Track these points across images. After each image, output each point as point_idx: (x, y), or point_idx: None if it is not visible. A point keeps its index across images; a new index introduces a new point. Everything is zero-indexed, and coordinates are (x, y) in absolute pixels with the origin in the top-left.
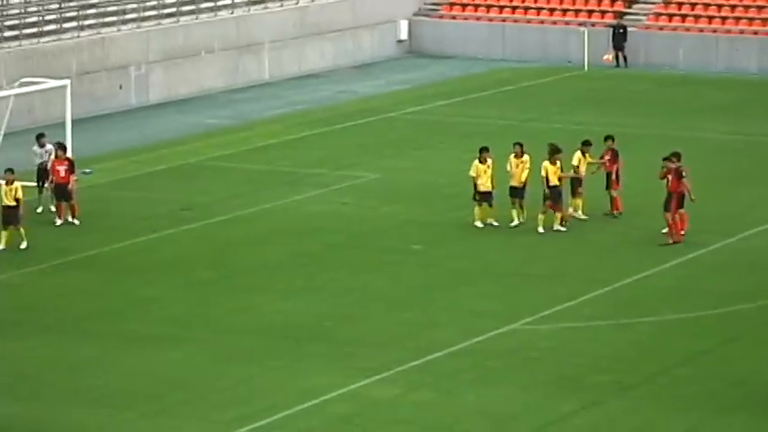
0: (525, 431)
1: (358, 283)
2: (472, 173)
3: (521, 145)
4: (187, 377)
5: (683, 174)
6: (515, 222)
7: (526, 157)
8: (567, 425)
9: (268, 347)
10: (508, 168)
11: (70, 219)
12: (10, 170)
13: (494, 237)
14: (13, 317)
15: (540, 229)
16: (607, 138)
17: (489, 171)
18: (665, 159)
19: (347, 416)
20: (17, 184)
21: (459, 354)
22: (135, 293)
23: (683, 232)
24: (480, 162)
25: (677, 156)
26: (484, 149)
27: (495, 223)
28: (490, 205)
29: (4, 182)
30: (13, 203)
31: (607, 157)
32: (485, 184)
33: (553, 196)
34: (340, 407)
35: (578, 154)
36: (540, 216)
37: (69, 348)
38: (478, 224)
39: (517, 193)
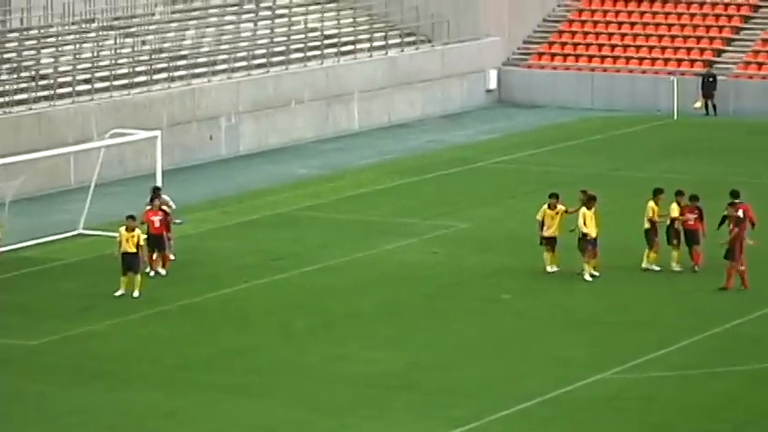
0: None
1: (448, 332)
2: (538, 216)
3: (557, 196)
4: (279, 427)
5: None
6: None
7: (560, 206)
8: None
9: (359, 397)
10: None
11: (159, 269)
12: (131, 217)
13: (582, 285)
14: (104, 367)
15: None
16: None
17: (557, 217)
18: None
19: None
20: (137, 231)
21: (550, 403)
22: (227, 343)
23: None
24: (549, 208)
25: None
26: (553, 195)
27: (556, 268)
28: (553, 250)
29: (123, 228)
30: (134, 250)
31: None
32: (551, 230)
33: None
34: None
35: (674, 205)
36: (653, 255)
37: (161, 398)
38: (549, 269)
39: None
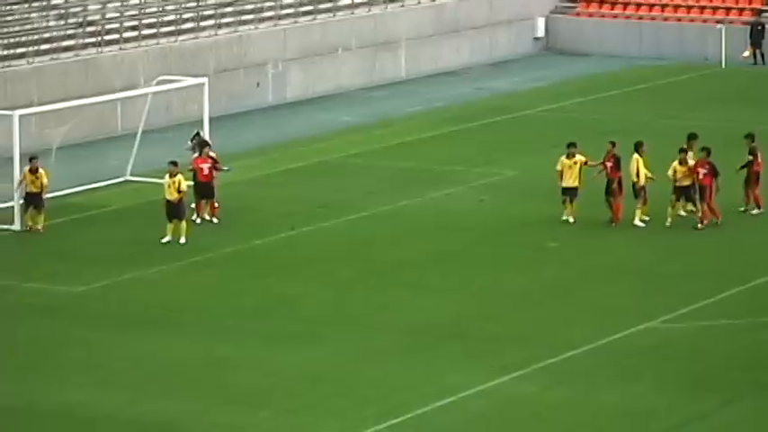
0: (663, 429)
1: (495, 280)
2: (558, 167)
3: (575, 145)
4: (325, 375)
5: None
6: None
7: (579, 156)
8: (706, 423)
9: (406, 345)
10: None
11: (208, 217)
12: (173, 163)
13: (629, 233)
14: (150, 314)
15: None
16: (747, 136)
17: (576, 167)
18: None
19: (485, 413)
20: (180, 177)
21: (597, 351)
22: (273, 291)
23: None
24: (567, 157)
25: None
26: (571, 145)
27: (572, 219)
28: (571, 201)
29: (168, 174)
30: (176, 196)
31: (750, 157)
32: (569, 180)
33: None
34: (477, 404)
35: (675, 163)
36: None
37: (207, 346)
38: (566, 218)
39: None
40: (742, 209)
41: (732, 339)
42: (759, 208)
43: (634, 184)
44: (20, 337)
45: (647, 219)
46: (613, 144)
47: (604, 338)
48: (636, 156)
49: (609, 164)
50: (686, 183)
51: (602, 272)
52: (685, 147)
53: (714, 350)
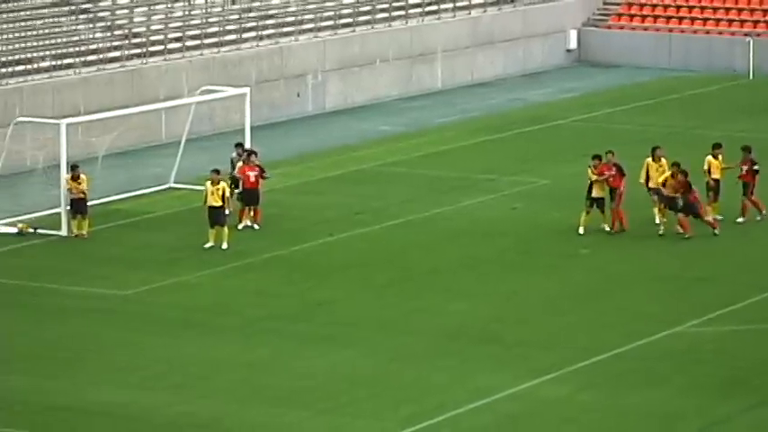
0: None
1: (527, 286)
2: (593, 177)
3: (599, 158)
4: (360, 376)
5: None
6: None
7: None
8: (733, 425)
9: (440, 348)
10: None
11: (249, 223)
12: (216, 171)
13: (658, 240)
14: (190, 317)
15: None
16: (745, 148)
17: (601, 178)
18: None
19: (516, 415)
20: (223, 184)
21: (626, 355)
22: (310, 295)
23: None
24: (595, 168)
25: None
26: (596, 157)
27: (607, 228)
28: (602, 211)
29: (209, 182)
30: (219, 203)
31: (745, 167)
32: (599, 191)
33: (715, 189)
34: (509, 406)
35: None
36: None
37: (245, 348)
38: (581, 230)
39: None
40: (758, 218)
41: (760, 344)
42: (744, 216)
43: (646, 184)
44: (65, 339)
45: (665, 220)
46: (612, 153)
47: (633, 343)
48: (647, 160)
49: (609, 172)
50: (672, 194)
51: (630, 278)
52: (678, 161)
53: (742, 354)
